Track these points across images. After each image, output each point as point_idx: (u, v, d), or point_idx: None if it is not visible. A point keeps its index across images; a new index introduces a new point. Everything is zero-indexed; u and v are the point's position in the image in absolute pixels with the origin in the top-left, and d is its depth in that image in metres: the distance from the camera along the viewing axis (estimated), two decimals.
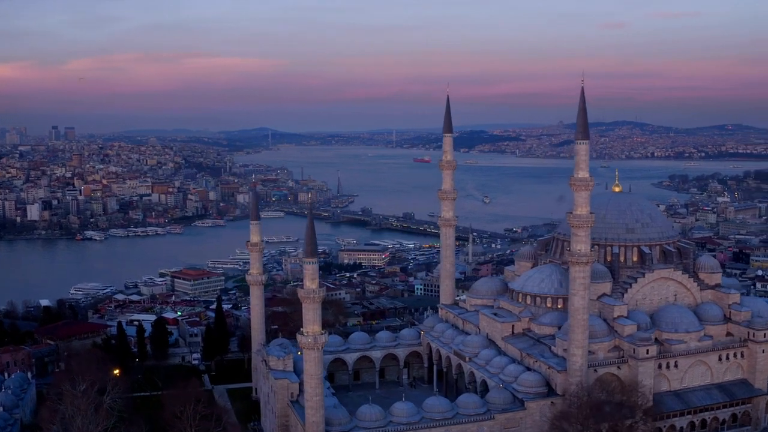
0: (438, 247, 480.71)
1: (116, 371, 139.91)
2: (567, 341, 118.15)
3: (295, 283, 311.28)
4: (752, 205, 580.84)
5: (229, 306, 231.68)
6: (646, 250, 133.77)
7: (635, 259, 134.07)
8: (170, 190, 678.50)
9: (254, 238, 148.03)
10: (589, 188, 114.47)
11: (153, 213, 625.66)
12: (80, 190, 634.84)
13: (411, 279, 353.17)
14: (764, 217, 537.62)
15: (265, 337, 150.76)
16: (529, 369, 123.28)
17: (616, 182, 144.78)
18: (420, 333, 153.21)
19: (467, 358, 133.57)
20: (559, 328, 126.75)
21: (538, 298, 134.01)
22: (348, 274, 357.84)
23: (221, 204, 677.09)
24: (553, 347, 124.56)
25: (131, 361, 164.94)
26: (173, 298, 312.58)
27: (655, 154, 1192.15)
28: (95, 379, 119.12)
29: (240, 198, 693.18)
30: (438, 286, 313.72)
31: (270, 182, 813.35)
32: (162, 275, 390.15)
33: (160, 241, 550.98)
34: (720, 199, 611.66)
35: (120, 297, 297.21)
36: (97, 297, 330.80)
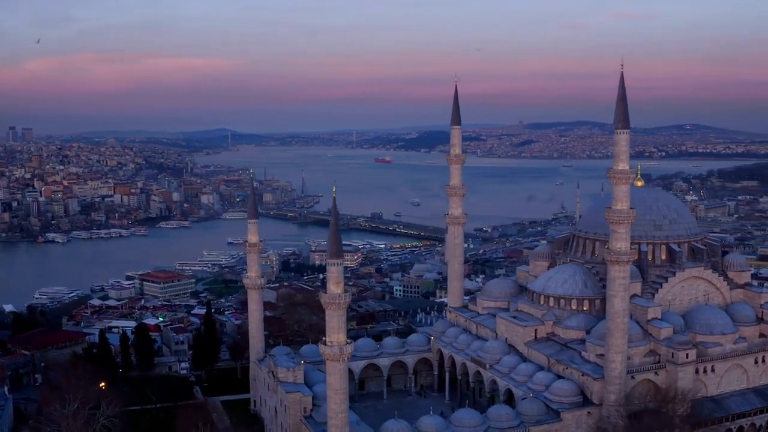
0: (409, 248, 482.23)
1: (102, 384, 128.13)
2: (602, 346, 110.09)
3: (269, 286, 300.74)
4: (721, 203, 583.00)
5: (212, 310, 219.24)
6: (675, 247, 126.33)
7: (664, 257, 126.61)
8: (133, 191, 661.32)
9: (252, 237, 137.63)
10: (629, 182, 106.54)
11: (116, 214, 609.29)
12: (41, 192, 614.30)
13: (387, 280, 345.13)
14: (735, 215, 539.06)
15: (264, 344, 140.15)
16: (559, 377, 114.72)
17: (638, 176, 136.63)
18: (429, 338, 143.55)
19: (487, 366, 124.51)
20: (588, 331, 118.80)
21: (561, 300, 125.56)
22: (321, 276, 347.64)
23: (185, 205, 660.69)
24: (583, 353, 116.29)
25: (115, 372, 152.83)
26: (143, 302, 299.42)
27: None
28: (86, 395, 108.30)
29: (204, 199, 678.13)
30: (418, 287, 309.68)
31: (233, 183, 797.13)
32: (129, 278, 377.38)
33: (125, 243, 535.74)
34: (688, 198, 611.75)
35: (96, 302, 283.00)
36: (62, 301, 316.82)
